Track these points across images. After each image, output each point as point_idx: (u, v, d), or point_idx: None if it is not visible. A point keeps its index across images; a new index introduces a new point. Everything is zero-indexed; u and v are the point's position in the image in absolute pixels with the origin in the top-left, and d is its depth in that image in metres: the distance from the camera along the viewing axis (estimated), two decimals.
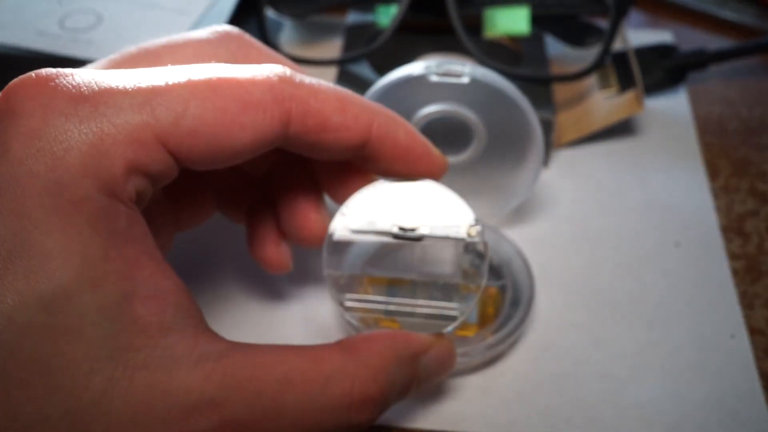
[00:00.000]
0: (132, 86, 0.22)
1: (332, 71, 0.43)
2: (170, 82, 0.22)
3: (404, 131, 0.27)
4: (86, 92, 0.21)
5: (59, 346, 0.20)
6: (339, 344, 0.25)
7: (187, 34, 0.27)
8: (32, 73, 0.21)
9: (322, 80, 0.26)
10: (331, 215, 0.29)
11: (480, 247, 0.28)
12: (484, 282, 0.27)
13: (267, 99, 0.23)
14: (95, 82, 0.22)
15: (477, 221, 0.28)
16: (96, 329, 0.20)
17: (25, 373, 0.20)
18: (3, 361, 0.20)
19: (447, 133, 0.35)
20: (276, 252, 0.30)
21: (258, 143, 0.24)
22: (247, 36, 0.27)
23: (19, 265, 0.20)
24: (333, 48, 0.46)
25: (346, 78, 0.42)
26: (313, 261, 0.35)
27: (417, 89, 0.33)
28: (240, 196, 0.31)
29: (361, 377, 0.23)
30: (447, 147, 0.35)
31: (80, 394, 0.20)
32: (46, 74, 0.21)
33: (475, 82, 0.32)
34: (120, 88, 0.22)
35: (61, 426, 0.20)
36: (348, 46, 0.44)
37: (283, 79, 0.24)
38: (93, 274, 0.20)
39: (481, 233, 0.27)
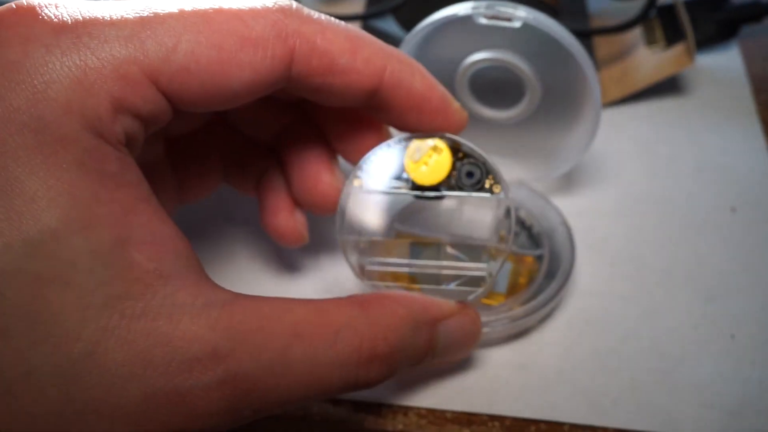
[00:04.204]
0: (119, 17, 0.20)
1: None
2: (161, 13, 0.20)
3: (420, 79, 0.25)
4: (69, 22, 0.20)
5: (47, 294, 0.18)
6: (350, 298, 0.23)
7: None
8: (12, 3, 0.20)
9: (333, 18, 0.23)
10: (345, 177, 0.27)
11: (512, 210, 0.25)
12: (510, 244, 0.25)
13: (268, 35, 0.21)
14: (80, 12, 0.20)
15: (502, 178, 0.25)
16: (88, 276, 0.19)
17: (9, 323, 0.18)
18: None
19: (496, 86, 0.32)
20: (289, 222, 0.28)
21: (258, 84, 0.22)
22: None
23: (1, 207, 0.18)
24: (356, 3, 0.44)
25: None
26: (331, 227, 0.32)
27: (462, 33, 0.30)
28: (248, 165, 0.29)
29: (371, 334, 0.22)
30: (494, 101, 0.32)
31: (70, 346, 0.18)
32: (27, 3, 0.20)
33: (527, 27, 0.29)
34: (106, 18, 0.20)
35: (48, 379, 0.18)
36: (372, 1, 0.41)
37: (287, 13, 0.22)
38: (83, 215, 0.19)
39: (505, 190, 0.25)
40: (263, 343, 0.20)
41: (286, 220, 0.28)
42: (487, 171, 0.25)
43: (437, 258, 0.26)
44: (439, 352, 0.24)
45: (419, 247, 0.26)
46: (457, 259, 0.26)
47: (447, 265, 0.26)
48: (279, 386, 0.20)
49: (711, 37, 0.41)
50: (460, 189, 0.25)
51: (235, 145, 0.29)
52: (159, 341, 0.19)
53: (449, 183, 0.25)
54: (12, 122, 0.18)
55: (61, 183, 0.19)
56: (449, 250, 0.26)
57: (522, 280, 0.29)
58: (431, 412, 0.27)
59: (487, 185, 0.25)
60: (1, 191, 0.18)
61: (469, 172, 0.25)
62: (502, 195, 0.25)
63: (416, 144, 0.25)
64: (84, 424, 0.18)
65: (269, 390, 0.20)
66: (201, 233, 0.33)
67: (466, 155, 0.25)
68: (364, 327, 0.22)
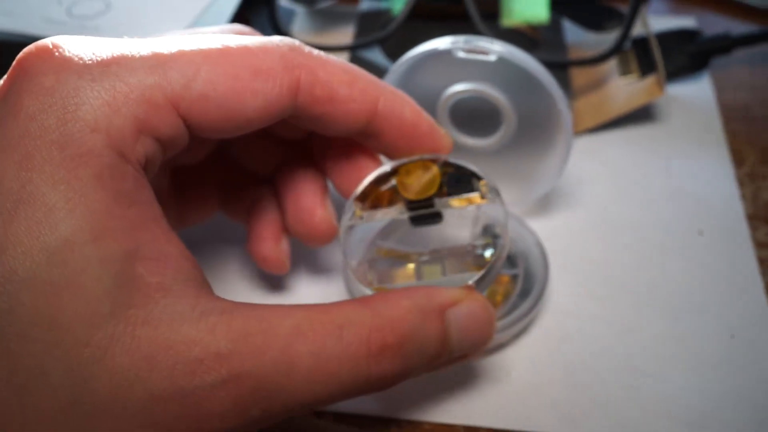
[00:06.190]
0: (145, 51, 0.22)
1: (344, 58, 0.42)
2: (183, 49, 0.23)
3: (410, 108, 0.27)
4: (100, 55, 0.22)
5: (60, 301, 0.19)
6: (350, 299, 0.24)
7: (195, 30, 0.27)
8: (47, 39, 0.22)
9: (331, 55, 0.26)
10: (337, 211, 0.28)
11: (498, 217, 0.26)
12: (507, 241, 0.26)
13: (277, 66, 0.24)
14: (109, 47, 0.22)
15: (491, 181, 0.26)
16: (97, 284, 0.20)
17: (26, 328, 0.19)
18: (3, 313, 0.19)
19: (474, 115, 0.33)
20: (273, 251, 0.30)
21: (268, 111, 0.24)
22: (256, 33, 0.28)
23: (23, 216, 0.20)
24: (345, 35, 0.45)
25: (358, 64, 0.40)
26: (323, 254, 0.34)
27: (442, 66, 0.32)
28: (243, 194, 0.31)
29: (378, 325, 0.22)
30: (473, 130, 0.34)
31: (81, 350, 0.19)
32: (61, 40, 0.22)
33: (502, 60, 0.31)
34: (133, 51, 0.22)
35: (60, 382, 0.19)
36: (360, 33, 0.43)
37: (292, 49, 0.24)
38: (95, 227, 0.20)
39: (494, 191, 0.26)
40: (265, 343, 0.21)
41: (270, 249, 0.30)
42: (475, 177, 0.27)
43: (442, 273, 0.26)
44: (455, 347, 0.24)
45: (424, 267, 0.27)
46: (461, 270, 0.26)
47: (452, 279, 0.26)
48: (286, 384, 0.21)
49: (683, 68, 0.43)
50: (450, 196, 0.27)
51: (231, 177, 0.31)
52: (162, 346, 0.20)
53: (440, 193, 0.27)
54: (42, 139, 0.20)
55: (78, 196, 0.20)
56: (450, 265, 0.27)
57: (498, 298, 0.31)
58: (410, 423, 0.28)
59: (475, 187, 0.26)
60: (24, 203, 0.20)
61: (457, 179, 0.27)
62: (491, 195, 0.26)
63: (407, 166, 0.27)
64: (92, 424, 0.19)
65: (276, 388, 0.21)
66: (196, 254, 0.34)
67: (454, 167, 0.27)
68: (370, 320, 0.22)
